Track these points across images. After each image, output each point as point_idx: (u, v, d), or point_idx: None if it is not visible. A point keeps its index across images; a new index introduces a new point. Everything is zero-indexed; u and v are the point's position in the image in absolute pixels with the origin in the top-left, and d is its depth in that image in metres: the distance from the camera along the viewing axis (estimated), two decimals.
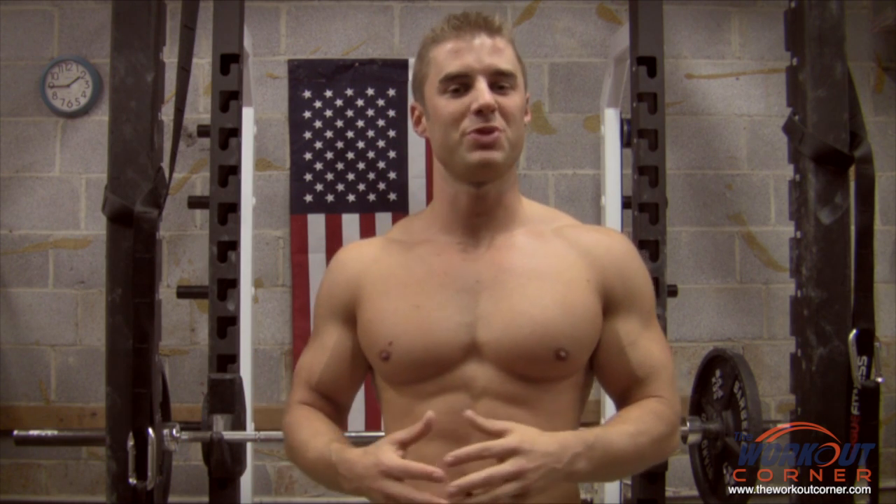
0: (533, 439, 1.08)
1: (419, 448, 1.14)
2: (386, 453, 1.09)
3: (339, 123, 2.99)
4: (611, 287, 1.23)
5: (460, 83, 1.19)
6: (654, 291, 1.30)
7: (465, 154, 1.19)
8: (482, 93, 1.17)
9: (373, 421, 2.84)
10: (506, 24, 1.24)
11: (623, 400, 1.27)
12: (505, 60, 1.20)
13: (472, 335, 1.19)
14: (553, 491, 1.19)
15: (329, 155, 2.99)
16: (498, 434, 1.08)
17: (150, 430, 1.75)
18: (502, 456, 1.06)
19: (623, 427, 1.18)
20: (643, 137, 2.19)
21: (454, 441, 1.14)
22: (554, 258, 1.24)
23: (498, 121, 1.17)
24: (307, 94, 2.99)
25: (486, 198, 1.24)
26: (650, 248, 2.15)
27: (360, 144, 2.99)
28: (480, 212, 1.25)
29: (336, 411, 1.34)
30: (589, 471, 1.11)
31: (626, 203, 2.56)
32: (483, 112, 1.16)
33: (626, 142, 2.62)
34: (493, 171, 1.20)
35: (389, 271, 1.26)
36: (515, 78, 1.21)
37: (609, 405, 2.41)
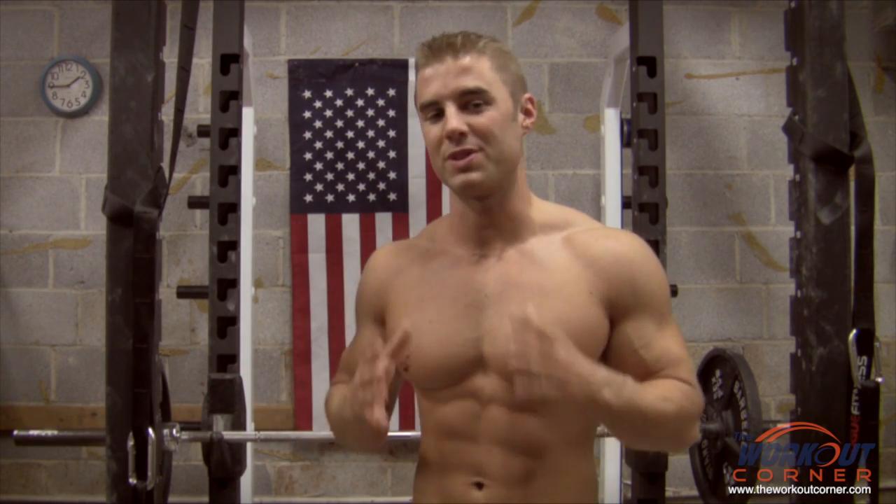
0: (574, 347, 1.10)
1: (436, 444, 1.28)
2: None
3: (339, 123, 2.99)
4: (617, 295, 1.25)
5: (435, 110, 1.23)
6: (668, 292, 1.30)
7: (449, 178, 1.24)
8: (449, 119, 1.20)
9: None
10: (476, 38, 1.24)
11: None
12: (472, 78, 1.21)
13: (478, 349, 1.25)
14: (570, 486, 1.25)
15: (329, 155, 2.99)
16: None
17: (150, 430, 1.75)
18: (554, 344, 1.07)
19: (651, 388, 1.19)
20: (643, 137, 2.19)
21: (467, 440, 1.25)
22: (557, 272, 1.25)
23: (471, 142, 1.20)
24: (307, 94, 2.99)
25: (490, 211, 1.27)
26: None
27: (360, 144, 2.99)
28: (488, 224, 1.28)
29: None
30: (615, 405, 1.11)
31: (626, 203, 2.56)
32: (452, 138, 1.20)
33: (626, 142, 2.62)
34: (479, 190, 1.23)
35: (410, 285, 1.32)
36: (487, 93, 1.21)
37: None
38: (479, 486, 1.24)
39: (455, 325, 1.26)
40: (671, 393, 1.20)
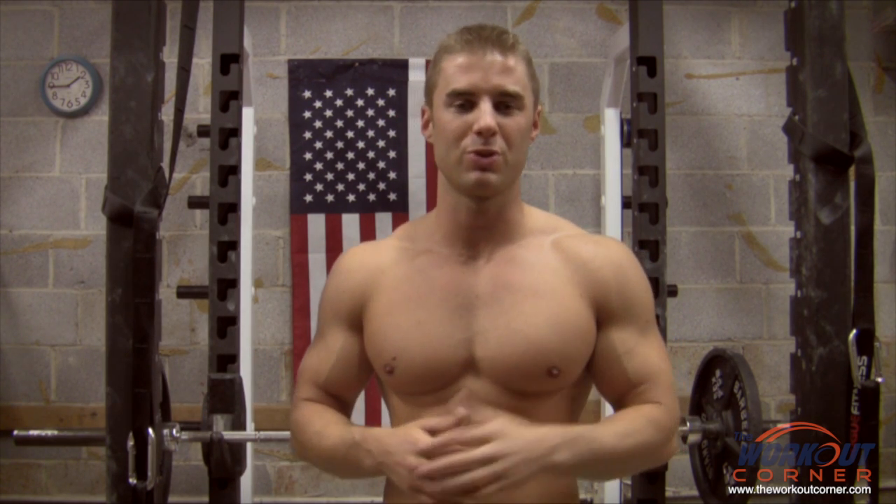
0: (511, 427, 1.11)
1: None
2: (419, 433, 1.13)
3: (339, 123, 2.99)
4: (605, 301, 1.25)
5: (465, 100, 1.19)
6: (653, 299, 1.31)
7: (462, 173, 1.20)
8: (484, 115, 1.17)
9: (373, 421, 2.84)
10: (519, 41, 1.22)
11: (621, 405, 1.29)
12: (513, 81, 1.19)
13: (469, 351, 1.23)
14: (550, 490, 1.24)
15: (329, 155, 2.99)
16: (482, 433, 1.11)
17: (150, 430, 1.75)
18: (480, 442, 1.09)
19: (612, 427, 1.20)
20: (643, 137, 2.19)
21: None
22: (550, 274, 1.25)
23: (498, 143, 1.18)
24: (307, 94, 2.99)
25: (486, 212, 1.25)
26: (650, 248, 2.15)
27: (360, 144, 2.99)
28: (480, 225, 1.26)
29: (342, 407, 1.37)
30: (572, 464, 1.13)
31: (626, 203, 2.56)
32: (483, 134, 1.17)
33: (626, 142, 2.62)
34: (490, 191, 1.21)
35: (394, 285, 1.28)
36: (522, 99, 1.20)
37: (609, 406, 2.40)
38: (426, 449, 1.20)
39: (445, 327, 1.23)
40: (635, 425, 1.20)
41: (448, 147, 1.21)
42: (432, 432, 1.13)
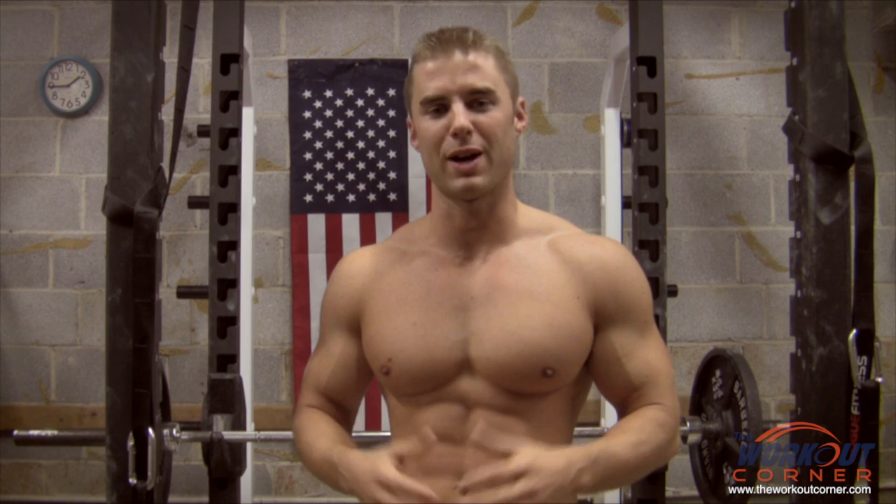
0: (541, 459, 1.10)
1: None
2: (385, 464, 1.13)
3: (339, 123, 2.99)
4: (602, 303, 1.25)
5: (438, 105, 1.19)
6: (651, 299, 1.31)
7: (448, 180, 1.20)
8: (457, 116, 1.17)
9: (373, 421, 2.84)
10: (483, 36, 1.22)
11: (623, 407, 1.29)
12: (481, 77, 1.19)
13: (465, 352, 1.23)
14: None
15: (329, 155, 2.99)
16: (505, 455, 1.11)
17: (150, 430, 1.75)
18: (514, 478, 1.08)
19: (625, 437, 1.20)
20: (643, 137, 2.19)
21: (451, 443, 1.22)
22: (545, 276, 1.25)
23: (476, 142, 1.18)
24: (307, 94, 3.00)
25: (478, 213, 1.25)
26: (650, 248, 2.15)
27: (360, 144, 2.99)
28: (474, 226, 1.26)
29: (343, 414, 1.38)
30: (593, 484, 1.14)
31: (626, 203, 2.56)
32: (459, 135, 1.17)
33: (626, 142, 2.62)
34: (477, 194, 1.21)
35: (390, 288, 1.29)
36: (494, 93, 1.20)
37: (609, 405, 2.41)
38: (464, 489, 1.21)
39: (441, 328, 1.23)
40: (645, 433, 1.21)
41: (429, 154, 1.22)
42: (401, 459, 1.14)
